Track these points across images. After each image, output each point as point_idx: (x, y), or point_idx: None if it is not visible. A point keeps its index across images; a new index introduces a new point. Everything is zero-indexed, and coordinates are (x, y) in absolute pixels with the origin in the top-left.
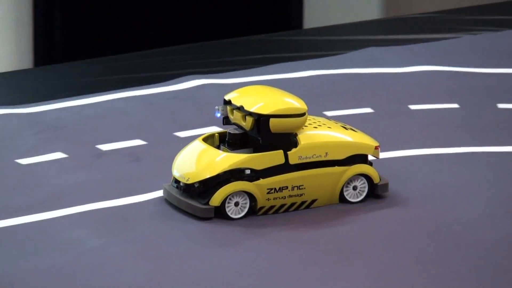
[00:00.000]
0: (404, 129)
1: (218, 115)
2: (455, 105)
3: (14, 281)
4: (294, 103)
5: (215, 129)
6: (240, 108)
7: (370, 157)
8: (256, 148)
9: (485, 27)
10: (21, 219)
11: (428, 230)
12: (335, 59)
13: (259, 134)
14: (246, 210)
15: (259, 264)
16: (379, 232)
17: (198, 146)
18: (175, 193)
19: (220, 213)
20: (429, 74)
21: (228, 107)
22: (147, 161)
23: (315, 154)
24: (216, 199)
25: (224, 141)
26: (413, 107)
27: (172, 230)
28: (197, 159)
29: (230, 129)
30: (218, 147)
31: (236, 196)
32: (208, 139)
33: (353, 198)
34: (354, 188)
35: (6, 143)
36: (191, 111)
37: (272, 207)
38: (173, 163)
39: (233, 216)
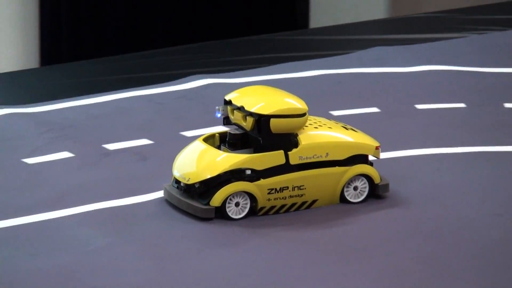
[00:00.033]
0: (410, 129)
1: (219, 115)
2: (462, 105)
3: (19, 280)
4: (294, 103)
5: (221, 129)
6: (241, 108)
7: (371, 157)
8: (257, 148)
9: (491, 26)
10: (27, 218)
11: (429, 230)
12: (341, 58)
13: (260, 134)
14: (246, 210)
15: (259, 264)
16: (380, 232)
17: (198, 146)
18: (176, 193)
19: (220, 213)
20: (435, 73)
21: (229, 107)
22: (153, 160)
23: (315, 155)
24: (216, 200)
25: (225, 141)
26: (419, 106)
27: (173, 230)
28: (197, 160)
29: (231, 129)
30: (218, 147)
31: (237, 196)
32: (208, 139)
33: (354, 198)
34: (355, 188)
35: (13, 142)
36: (197, 110)
37: (272, 207)
38: (174, 163)
39: (233, 216)
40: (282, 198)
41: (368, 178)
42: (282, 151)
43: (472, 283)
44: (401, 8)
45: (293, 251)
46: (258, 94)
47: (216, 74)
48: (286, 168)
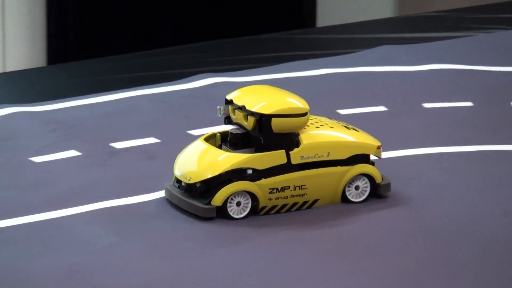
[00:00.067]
0: (417, 128)
1: (220, 114)
2: (469, 104)
3: (26, 279)
4: (296, 102)
5: (223, 128)
6: (242, 108)
7: (372, 157)
8: (258, 148)
9: (499, 25)
10: (34, 217)
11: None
12: (349, 57)
13: (261, 133)
14: (248, 210)
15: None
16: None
17: (199, 145)
18: (177, 193)
19: (222, 213)
20: (443, 72)
21: (230, 107)
22: (160, 159)
23: (317, 154)
24: (218, 199)
25: (226, 141)
26: (426, 105)
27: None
28: (199, 159)
29: (232, 129)
30: (219, 147)
31: (238, 196)
32: (209, 139)
33: (355, 198)
34: (356, 188)
35: (20, 141)
36: (204, 109)
37: (274, 207)
38: (175, 163)
39: (235, 216)
40: (284, 197)
41: (370, 177)
42: (283, 151)
43: (473, 283)
44: (408, 7)
45: (294, 251)
46: (260, 93)
47: (223, 73)
48: (287, 167)
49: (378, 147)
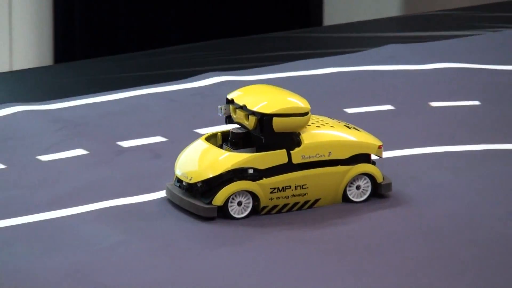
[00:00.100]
0: (424, 127)
1: (221, 114)
2: (476, 102)
3: (33, 277)
4: (297, 102)
5: (228, 127)
6: (243, 107)
7: (374, 157)
8: (259, 147)
9: (506, 24)
10: (41, 216)
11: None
12: (355, 56)
13: (262, 133)
14: (249, 209)
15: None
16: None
17: (200, 145)
18: (178, 192)
19: (223, 212)
20: (450, 71)
21: (231, 106)
22: (167, 158)
23: (318, 154)
24: (219, 199)
25: (227, 140)
26: (433, 104)
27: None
28: (200, 159)
29: (233, 129)
30: (220, 147)
31: (239, 195)
32: (210, 138)
33: (357, 197)
34: (358, 187)
35: (27, 139)
36: (212, 108)
37: (275, 206)
38: (176, 162)
39: (236, 215)
40: (285, 197)
41: (371, 177)
42: (284, 150)
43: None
44: (414, 6)
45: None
46: (261, 93)
47: (231, 72)
48: (288, 167)
49: (379, 147)
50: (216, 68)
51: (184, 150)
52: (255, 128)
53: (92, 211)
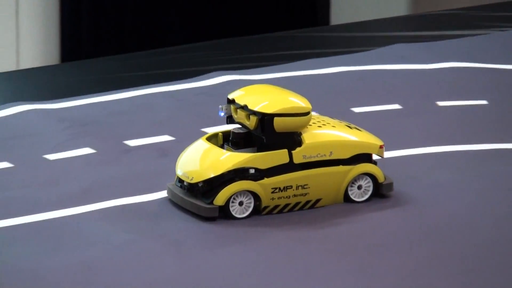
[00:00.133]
0: (431, 126)
1: (222, 114)
2: (484, 102)
3: (42, 276)
4: (298, 102)
5: (229, 127)
6: (244, 107)
7: (375, 156)
8: (260, 147)
9: None
10: (48, 214)
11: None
12: (363, 55)
13: (263, 133)
14: (250, 209)
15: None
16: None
17: (202, 145)
18: (179, 192)
19: (224, 212)
20: (457, 70)
21: (232, 106)
22: (174, 156)
23: (319, 153)
24: (220, 199)
25: (228, 141)
26: (441, 103)
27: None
28: (201, 159)
29: (234, 128)
30: (221, 147)
31: (241, 195)
32: (211, 138)
33: (358, 197)
34: (359, 187)
35: (34, 138)
36: (218, 107)
37: (276, 206)
38: (177, 162)
39: (237, 215)
40: (286, 197)
41: (372, 177)
42: (285, 150)
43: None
44: (422, 5)
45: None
46: (262, 92)
47: (237, 71)
48: (289, 167)
49: (381, 147)
50: (223, 68)
51: (185, 150)
52: (256, 128)
53: (99, 210)
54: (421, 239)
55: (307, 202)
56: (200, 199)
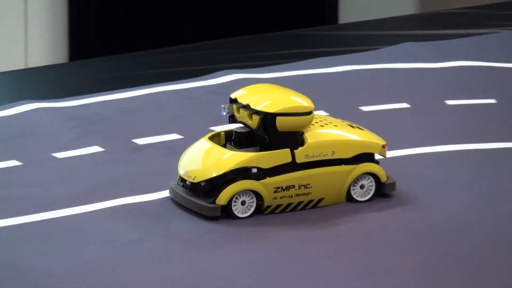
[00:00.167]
0: (439, 125)
1: (224, 113)
2: (492, 101)
3: (50, 274)
4: (300, 101)
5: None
6: (246, 107)
7: (377, 156)
8: (263, 146)
9: None
10: (57, 213)
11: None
12: (371, 54)
13: (266, 132)
14: (252, 209)
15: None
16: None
17: (204, 144)
18: (181, 192)
19: (226, 212)
20: (466, 69)
21: (234, 105)
22: None
23: (322, 153)
24: (222, 198)
25: (230, 140)
26: (449, 102)
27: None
28: (203, 158)
29: (237, 128)
30: (224, 146)
31: (243, 195)
32: (214, 138)
33: (360, 197)
34: (361, 187)
35: (43, 137)
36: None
37: (278, 206)
38: (179, 162)
39: (239, 215)
40: (288, 196)
41: (375, 176)
42: (288, 150)
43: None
44: (430, 4)
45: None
46: (264, 92)
47: (246, 69)
48: (292, 166)
49: (383, 146)
50: (231, 66)
51: (187, 149)
52: (258, 127)
53: (107, 208)
54: (423, 239)
55: (310, 201)
56: (203, 199)
